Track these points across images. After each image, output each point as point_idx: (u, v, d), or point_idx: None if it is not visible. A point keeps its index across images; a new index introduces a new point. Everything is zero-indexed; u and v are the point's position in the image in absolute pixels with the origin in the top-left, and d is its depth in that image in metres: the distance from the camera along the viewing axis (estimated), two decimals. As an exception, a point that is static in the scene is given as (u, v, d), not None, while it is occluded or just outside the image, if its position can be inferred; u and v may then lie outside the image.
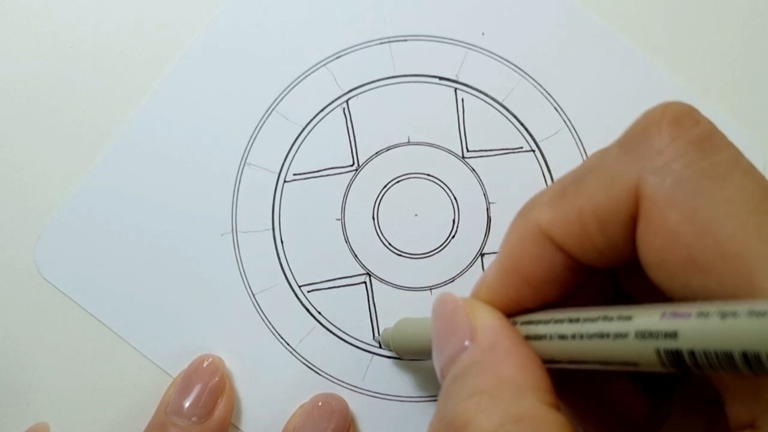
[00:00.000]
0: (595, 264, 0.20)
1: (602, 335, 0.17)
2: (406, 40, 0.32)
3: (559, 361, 0.19)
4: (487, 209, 0.31)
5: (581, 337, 0.18)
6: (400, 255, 0.31)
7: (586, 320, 0.18)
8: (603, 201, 0.18)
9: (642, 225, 0.18)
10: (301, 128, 0.31)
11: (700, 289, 0.17)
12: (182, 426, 0.28)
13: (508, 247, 0.21)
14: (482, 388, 0.19)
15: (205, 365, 0.29)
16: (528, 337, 0.20)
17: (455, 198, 0.31)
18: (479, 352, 0.20)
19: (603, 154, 0.19)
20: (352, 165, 0.31)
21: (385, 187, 0.31)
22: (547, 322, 0.19)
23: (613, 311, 0.17)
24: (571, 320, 0.19)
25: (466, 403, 0.18)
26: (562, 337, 0.19)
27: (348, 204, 0.31)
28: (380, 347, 0.30)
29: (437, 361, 0.21)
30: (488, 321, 0.20)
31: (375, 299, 0.30)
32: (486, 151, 0.31)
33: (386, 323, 0.30)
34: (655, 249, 0.18)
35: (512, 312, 0.21)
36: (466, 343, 0.20)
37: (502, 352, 0.19)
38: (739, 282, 0.16)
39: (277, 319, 0.30)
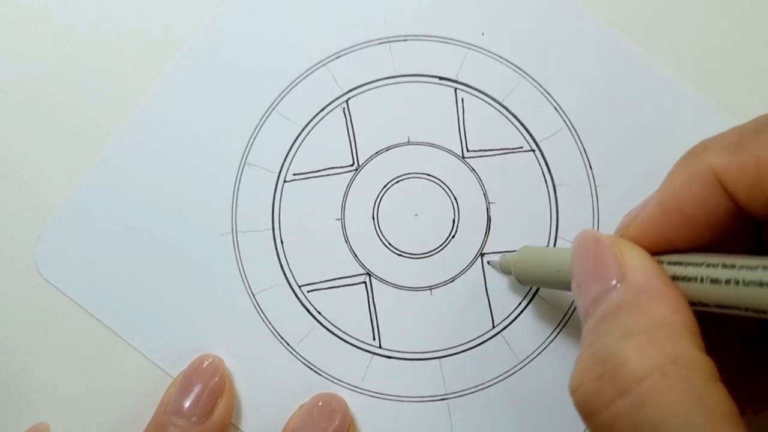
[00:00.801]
0: (758, 215, 0.20)
1: (761, 284, 0.18)
2: (406, 40, 0.32)
3: (707, 305, 0.19)
4: (487, 209, 0.31)
5: (737, 283, 0.18)
6: (400, 255, 0.31)
7: (742, 267, 0.18)
8: None
9: None
10: (301, 128, 0.31)
11: None
12: (182, 426, 0.28)
13: (674, 185, 0.21)
14: (638, 329, 0.19)
15: (205, 365, 0.29)
16: (675, 278, 0.20)
17: (455, 198, 0.31)
18: (631, 293, 0.20)
19: None
20: (352, 165, 0.31)
21: (385, 187, 0.31)
22: (698, 264, 0.20)
23: None
24: (725, 265, 0.19)
25: (622, 342, 0.19)
26: (715, 281, 0.19)
27: (348, 204, 0.31)
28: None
29: (580, 298, 0.22)
30: (638, 261, 0.21)
31: (375, 299, 0.30)
32: (486, 151, 0.31)
33: (386, 323, 0.30)
34: None
35: (662, 250, 0.21)
36: (613, 282, 0.20)
37: (655, 293, 0.20)
38: None
39: (277, 319, 0.30)
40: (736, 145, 0.20)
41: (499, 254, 0.29)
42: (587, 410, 0.19)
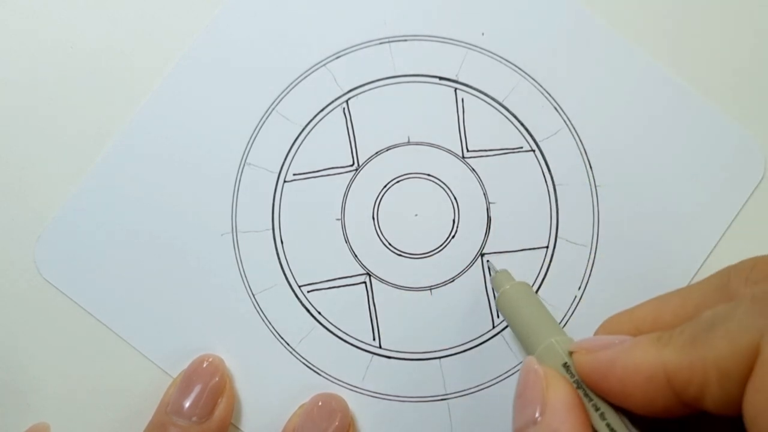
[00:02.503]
0: (697, 409, 0.20)
1: None
2: (406, 40, 0.32)
3: None
4: (487, 209, 0.31)
5: None
6: (400, 255, 0.31)
7: None
8: (728, 355, 0.19)
9: (752, 379, 0.18)
10: (301, 128, 0.31)
11: None
12: (182, 426, 0.28)
13: (627, 363, 0.21)
14: None
15: (205, 365, 0.29)
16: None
17: (455, 198, 0.31)
18: (545, 431, 0.21)
19: (736, 305, 0.20)
20: (352, 165, 0.31)
21: (385, 187, 0.31)
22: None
23: None
24: None
25: None
26: None
27: (348, 204, 0.31)
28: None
29: (513, 422, 0.23)
30: (559, 401, 0.21)
31: (375, 299, 0.30)
32: (486, 151, 0.31)
33: (386, 323, 0.30)
34: (755, 407, 0.18)
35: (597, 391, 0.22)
36: (536, 415, 0.21)
37: None
38: None
39: (277, 319, 0.30)
40: (691, 345, 0.20)
41: (501, 269, 0.29)
42: None
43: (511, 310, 0.27)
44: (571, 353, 0.23)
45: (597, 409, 0.22)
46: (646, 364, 0.20)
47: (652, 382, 0.20)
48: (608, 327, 0.25)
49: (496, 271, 0.29)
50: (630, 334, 0.23)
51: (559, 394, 0.22)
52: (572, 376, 0.22)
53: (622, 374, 0.21)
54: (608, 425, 0.21)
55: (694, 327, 0.20)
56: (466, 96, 0.31)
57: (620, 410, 0.22)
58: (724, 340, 0.19)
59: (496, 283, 0.28)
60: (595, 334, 0.25)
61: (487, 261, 0.30)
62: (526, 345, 0.25)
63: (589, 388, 0.22)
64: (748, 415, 0.18)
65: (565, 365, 0.23)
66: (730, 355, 0.19)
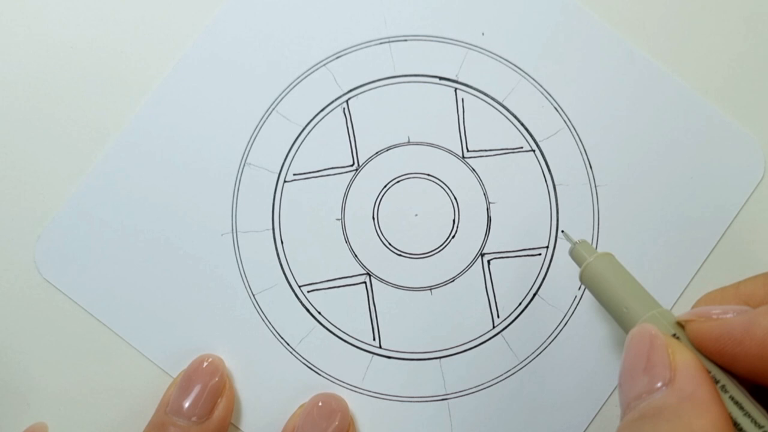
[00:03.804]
0: None
1: None
2: (406, 40, 0.32)
3: None
4: (488, 209, 0.31)
5: None
6: (400, 255, 0.31)
7: None
8: None
9: None
10: (301, 128, 0.31)
11: None
12: (182, 426, 0.28)
13: (754, 332, 0.20)
14: None
15: (204, 365, 0.29)
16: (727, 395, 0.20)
17: (455, 198, 0.31)
18: (675, 399, 0.20)
19: None
20: (352, 165, 0.31)
21: (385, 187, 0.31)
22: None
23: None
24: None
25: None
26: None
27: (348, 204, 0.31)
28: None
29: (625, 389, 0.21)
30: (690, 369, 0.20)
31: (375, 299, 0.30)
32: (486, 151, 0.31)
33: (386, 323, 0.30)
34: None
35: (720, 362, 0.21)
36: (659, 384, 0.20)
37: (700, 404, 0.19)
38: None
39: (277, 319, 0.30)
40: None
41: (580, 240, 0.27)
42: None
43: (599, 284, 0.26)
44: (679, 324, 0.22)
45: (717, 381, 0.21)
46: None
47: None
48: (710, 300, 0.24)
49: (575, 243, 0.27)
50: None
51: (687, 358, 0.20)
52: None
53: (747, 343, 0.20)
54: (731, 398, 0.20)
55: None
56: (466, 96, 0.31)
57: (735, 379, 0.21)
58: None
59: (577, 256, 0.27)
60: (695, 307, 0.24)
61: (562, 231, 0.30)
62: (623, 319, 0.24)
63: (709, 358, 0.21)
64: None
65: (674, 336, 0.22)
66: None
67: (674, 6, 0.32)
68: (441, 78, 0.32)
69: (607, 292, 0.25)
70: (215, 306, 0.30)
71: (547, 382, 0.30)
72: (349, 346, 0.30)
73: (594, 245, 0.30)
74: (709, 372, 0.21)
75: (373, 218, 0.31)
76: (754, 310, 0.21)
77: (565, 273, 0.30)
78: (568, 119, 0.31)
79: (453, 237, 0.31)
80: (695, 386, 0.20)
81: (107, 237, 0.31)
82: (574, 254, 0.27)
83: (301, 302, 0.30)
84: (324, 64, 0.32)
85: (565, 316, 0.30)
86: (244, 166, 0.31)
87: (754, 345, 0.20)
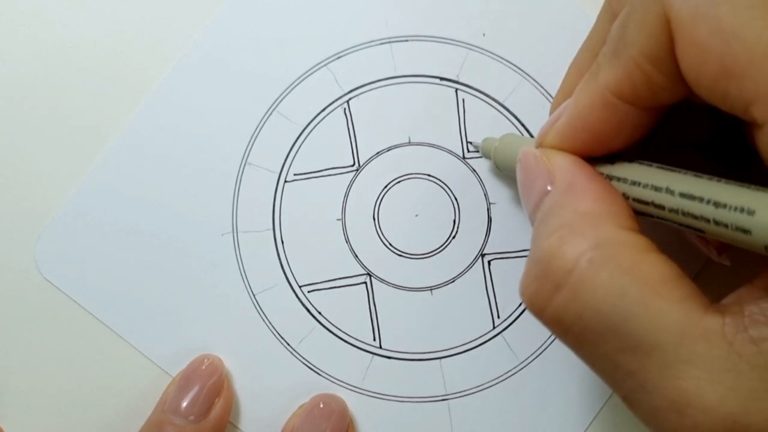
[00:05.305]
0: (665, 102, 0.20)
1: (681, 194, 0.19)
2: (407, 41, 0.32)
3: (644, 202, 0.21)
4: (488, 209, 0.31)
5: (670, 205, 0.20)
6: (400, 255, 0.31)
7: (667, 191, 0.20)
8: (646, 41, 0.19)
9: (677, 47, 0.18)
10: (302, 128, 0.31)
11: (738, 98, 0.17)
12: (178, 424, 0.28)
13: (579, 109, 0.22)
14: (562, 224, 0.20)
15: (204, 366, 0.29)
16: (610, 177, 0.22)
17: (456, 198, 0.31)
18: (558, 193, 0.21)
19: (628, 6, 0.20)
20: (352, 165, 0.31)
21: (385, 187, 0.31)
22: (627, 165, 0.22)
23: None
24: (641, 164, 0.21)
25: (549, 240, 0.20)
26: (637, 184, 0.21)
27: (348, 204, 0.31)
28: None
29: (526, 210, 0.23)
30: (563, 163, 0.22)
31: (375, 299, 0.30)
32: (486, 151, 0.31)
33: (387, 323, 0.30)
34: (691, 66, 0.18)
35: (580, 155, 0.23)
36: (549, 188, 0.21)
37: (579, 188, 0.21)
38: None
39: (277, 319, 0.30)
40: (614, 56, 0.20)
41: (484, 138, 0.30)
42: (535, 310, 0.20)
43: (509, 158, 0.27)
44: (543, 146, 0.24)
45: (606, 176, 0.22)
46: (592, 98, 0.21)
47: (608, 109, 0.21)
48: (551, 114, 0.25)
49: (481, 142, 0.30)
50: None
51: (562, 159, 0.22)
52: None
53: (583, 122, 0.21)
54: (619, 179, 0.21)
55: (609, 44, 0.21)
56: (467, 96, 0.31)
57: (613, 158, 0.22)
58: (636, 32, 0.19)
59: (485, 148, 0.29)
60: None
61: (470, 142, 0.31)
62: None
63: (585, 152, 0.22)
64: (690, 78, 0.18)
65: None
66: (648, 39, 0.19)
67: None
68: (442, 78, 0.32)
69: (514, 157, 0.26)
70: (215, 306, 0.30)
71: (547, 383, 0.30)
72: (350, 346, 0.30)
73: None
74: (595, 166, 0.22)
75: (374, 218, 0.31)
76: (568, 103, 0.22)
77: (565, 273, 0.30)
78: (569, 120, 0.31)
79: (453, 237, 0.31)
80: (571, 177, 0.21)
81: (107, 237, 0.31)
82: (483, 149, 0.29)
83: (301, 302, 0.30)
84: (325, 64, 0.32)
85: (565, 317, 0.30)
86: (244, 166, 0.31)
87: (584, 133, 0.22)
